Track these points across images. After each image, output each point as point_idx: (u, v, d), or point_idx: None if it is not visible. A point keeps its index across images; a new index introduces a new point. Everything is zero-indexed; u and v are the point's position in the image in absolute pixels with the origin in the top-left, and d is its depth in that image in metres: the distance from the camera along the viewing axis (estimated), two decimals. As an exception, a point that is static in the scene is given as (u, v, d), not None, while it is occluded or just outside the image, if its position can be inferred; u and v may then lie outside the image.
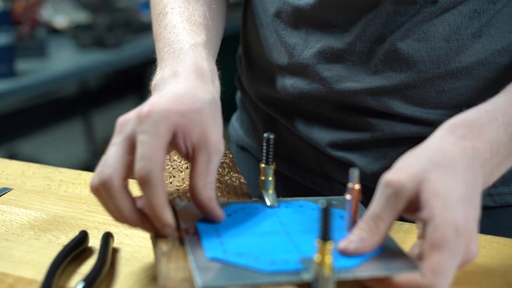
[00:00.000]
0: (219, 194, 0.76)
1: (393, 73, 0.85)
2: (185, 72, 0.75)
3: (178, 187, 0.77)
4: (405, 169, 0.64)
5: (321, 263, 0.58)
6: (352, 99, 0.88)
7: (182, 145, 0.69)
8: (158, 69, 0.80)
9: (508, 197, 0.89)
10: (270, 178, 0.74)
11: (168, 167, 0.82)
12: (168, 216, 0.66)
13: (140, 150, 0.66)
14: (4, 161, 1.04)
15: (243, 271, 0.61)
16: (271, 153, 0.73)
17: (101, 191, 0.67)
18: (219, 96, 0.76)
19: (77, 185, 0.94)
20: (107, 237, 0.75)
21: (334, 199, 0.75)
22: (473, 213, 0.63)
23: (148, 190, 0.65)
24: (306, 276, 0.60)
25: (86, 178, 0.97)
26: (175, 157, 0.84)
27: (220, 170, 0.82)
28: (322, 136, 0.93)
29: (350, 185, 0.66)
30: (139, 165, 0.65)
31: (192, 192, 0.69)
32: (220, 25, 0.92)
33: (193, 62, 0.77)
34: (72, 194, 0.91)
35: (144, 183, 0.65)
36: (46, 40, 2.72)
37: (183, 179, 0.79)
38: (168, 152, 0.70)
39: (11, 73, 2.32)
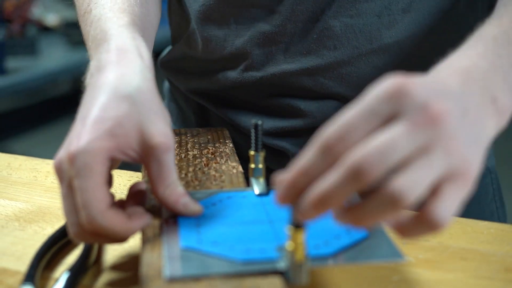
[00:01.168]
0: (213, 182, 0.75)
1: (327, 51, 0.87)
2: (107, 60, 0.68)
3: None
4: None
5: (293, 251, 0.56)
6: (287, 82, 0.88)
7: (128, 159, 0.64)
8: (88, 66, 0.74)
9: None
10: (260, 166, 0.72)
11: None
12: (137, 225, 0.63)
13: (79, 199, 0.60)
14: (-9, 154, 1.03)
15: (214, 260, 0.58)
16: (259, 139, 0.71)
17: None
18: (151, 69, 0.69)
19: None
20: (93, 227, 0.73)
21: None
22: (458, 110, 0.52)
23: (102, 231, 0.61)
24: (280, 265, 0.57)
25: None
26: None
27: (218, 159, 0.81)
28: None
29: None
30: (81, 214, 0.60)
31: (156, 199, 0.65)
32: (153, 7, 0.86)
33: (115, 45, 0.70)
34: (54, 184, 0.89)
35: (93, 229, 0.61)
36: (37, 38, 2.71)
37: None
38: (110, 180, 0.65)
39: (1, 71, 2.30)
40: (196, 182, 0.75)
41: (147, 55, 0.70)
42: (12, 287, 0.65)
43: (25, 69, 2.43)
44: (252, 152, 0.72)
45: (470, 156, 0.51)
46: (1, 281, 0.66)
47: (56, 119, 3.38)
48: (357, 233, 0.62)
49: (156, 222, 0.66)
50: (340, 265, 0.58)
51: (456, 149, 0.50)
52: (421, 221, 0.51)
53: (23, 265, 0.68)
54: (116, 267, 0.68)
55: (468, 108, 0.53)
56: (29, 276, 0.64)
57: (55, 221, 0.79)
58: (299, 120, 0.91)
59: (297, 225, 0.55)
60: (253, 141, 0.72)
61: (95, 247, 0.70)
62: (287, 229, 0.56)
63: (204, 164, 0.80)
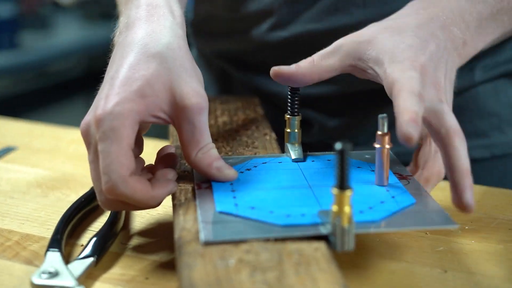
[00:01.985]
0: (245, 149, 0.71)
1: (356, 8, 0.83)
2: (136, 16, 0.64)
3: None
4: (356, 33, 0.66)
5: (339, 214, 0.52)
6: (314, 43, 0.85)
7: (158, 121, 0.60)
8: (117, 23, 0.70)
9: (502, 147, 0.88)
10: (296, 130, 0.68)
11: None
12: (161, 193, 0.59)
13: (101, 163, 0.57)
14: (10, 122, 1.00)
15: (253, 225, 0.55)
16: (296, 103, 0.68)
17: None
18: (182, 26, 0.65)
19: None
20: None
21: (367, 153, 0.69)
22: (432, 64, 0.61)
23: (123, 198, 0.58)
24: (323, 230, 0.54)
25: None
26: None
27: (249, 125, 0.77)
28: (281, 90, 0.89)
29: (378, 132, 0.61)
30: (102, 180, 0.57)
31: (189, 163, 0.61)
32: None
33: (145, 0, 0.66)
34: (84, 153, 0.85)
35: (115, 196, 0.57)
36: (51, 15, 2.67)
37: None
38: (139, 145, 0.62)
39: (12, 45, 2.28)
40: (228, 148, 0.71)
41: (178, 11, 0.66)
42: (37, 253, 0.62)
43: (38, 44, 2.40)
44: (288, 116, 0.68)
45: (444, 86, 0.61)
46: (25, 247, 0.63)
47: (69, 99, 3.34)
48: (404, 200, 0.58)
49: (188, 187, 0.63)
50: (388, 231, 0.55)
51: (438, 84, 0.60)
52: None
53: (47, 231, 0.65)
54: (143, 233, 0.65)
55: (435, 54, 0.61)
56: (55, 242, 0.60)
57: (79, 188, 0.76)
58: (325, 87, 0.87)
59: (344, 187, 0.52)
60: (289, 104, 0.68)
61: (123, 213, 0.66)
62: (333, 191, 0.52)
63: (235, 130, 0.76)
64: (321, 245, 0.52)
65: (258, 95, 0.92)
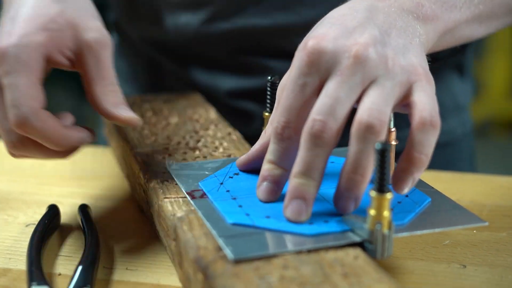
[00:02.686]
0: (217, 151, 0.65)
1: (306, 8, 0.80)
2: None
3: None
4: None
5: (378, 219, 0.48)
6: (258, 39, 0.82)
7: (62, 60, 0.59)
8: None
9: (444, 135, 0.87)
10: (278, 128, 0.63)
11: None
12: (74, 135, 0.59)
13: (9, 97, 0.55)
14: None
15: (278, 236, 0.50)
16: (276, 99, 0.63)
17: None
18: None
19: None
20: (85, 209, 0.62)
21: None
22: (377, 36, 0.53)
23: (34, 133, 0.56)
24: (356, 237, 0.50)
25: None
26: None
27: (208, 125, 0.71)
28: (220, 83, 0.86)
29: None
30: (11, 114, 0.55)
31: (94, 104, 0.59)
32: None
33: None
34: (10, 166, 0.76)
35: (25, 130, 0.55)
36: None
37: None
38: (45, 76, 0.59)
39: None
40: (197, 152, 0.65)
41: None
42: (10, 289, 0.53)
43: None
44: (267, 114, 0.63)
45: (409, 60, 0.52)
46: (-8, 283, 0.54)
47: None
48: (419, 199, 0.55)
49: (179, 199, 0.56)
50: (423, 232, 0.51)
51: (394, 64, 0.51)
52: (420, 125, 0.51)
53: (9, 262, 0.57)
54: (126, 254, 0.58)
55: (383, 27, 0.54)
56: (34, 275, 0.52)
57: (25, 207, 0.67)
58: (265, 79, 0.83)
59: (384, 190, 0.48)
60: (268, 100, 0.63)
61: (97, 233, 0.59)
62: (371, 194, 0.48)
63: (194, 132, 0.70)
64: (359, 253, 0.48)
65: (194, 89, 0.86)
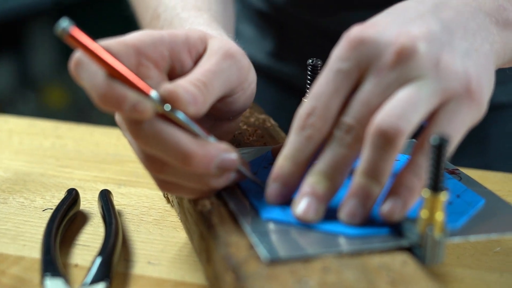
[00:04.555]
0: (250, 138, 0.61)
1: None
2: None
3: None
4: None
5: (430, 222, 0.43)
6: None
7: None
8: None
9: None
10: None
11: None
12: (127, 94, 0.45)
13: None
14: None
15: (316, 236, 0.45)
16: (317, 84, 0.58)
17: None
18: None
19: (32, 136, 0.75)
20: (107, 196, 0.58)
21: None
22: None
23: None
24: (404, 241, 0.45)
25: (43, 126, 0.77)
26: None
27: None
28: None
29: None
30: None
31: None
32: (229, 2, 0.73)
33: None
34: (31, 146, 0.72)
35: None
36: None
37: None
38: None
39: None
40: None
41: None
42: (23, 278, 0.49)
43: None
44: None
45: (465, 68, 0.46)
46: (3, 271, 0.50)
47: None
48: (472, 200, 0.50)
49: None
50: (479, 239, 0.46)
51: (445, 68, 0.45)
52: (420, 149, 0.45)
53: (23, 248, 0.53)
54: (148, 245, 0.54)
55: (449, 25, 0.47)
56: (50, 265, 0.48)
57: (43, 190, 0.62)
58: None
59: (438, 189, 0.43)
60: (308, 86, 0.58)
61: (119, 223, 0.54)
62: (423, 194, 0.43)
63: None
64: (407, 258, 0.43)
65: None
